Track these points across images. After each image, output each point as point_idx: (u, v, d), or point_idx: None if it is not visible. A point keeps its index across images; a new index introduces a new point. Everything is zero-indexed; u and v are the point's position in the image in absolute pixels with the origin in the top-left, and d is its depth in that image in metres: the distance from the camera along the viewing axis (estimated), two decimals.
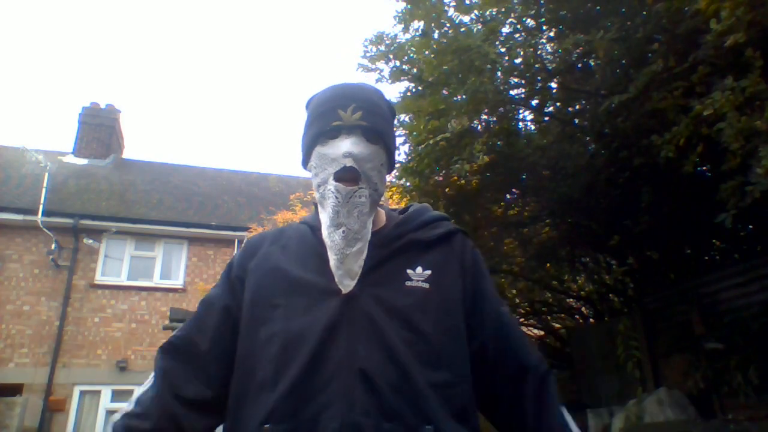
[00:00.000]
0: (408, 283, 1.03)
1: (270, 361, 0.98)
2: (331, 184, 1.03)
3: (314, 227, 1.14)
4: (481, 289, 1.11)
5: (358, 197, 1.03)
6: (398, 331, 0.98)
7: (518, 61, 5.13)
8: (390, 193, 6.77)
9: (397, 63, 5.77)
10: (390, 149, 1.11)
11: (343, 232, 1.02)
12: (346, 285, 1.00)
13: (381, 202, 1.20)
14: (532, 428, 1.03)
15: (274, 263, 1.10)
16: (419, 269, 1.05)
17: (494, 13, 5.29)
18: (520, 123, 6.43)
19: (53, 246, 11.22)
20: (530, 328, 9.78)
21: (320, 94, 1.13)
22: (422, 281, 1.04)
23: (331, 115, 1.06)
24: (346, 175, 1.03)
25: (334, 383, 0.93)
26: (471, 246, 1.16)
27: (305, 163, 1.14)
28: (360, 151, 1.04)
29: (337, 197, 1.02)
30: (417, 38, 5.56)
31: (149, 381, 1.10)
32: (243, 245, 1.21)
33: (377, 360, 0.95)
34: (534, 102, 5.82)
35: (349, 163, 1.02)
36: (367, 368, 0.94)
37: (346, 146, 1.03)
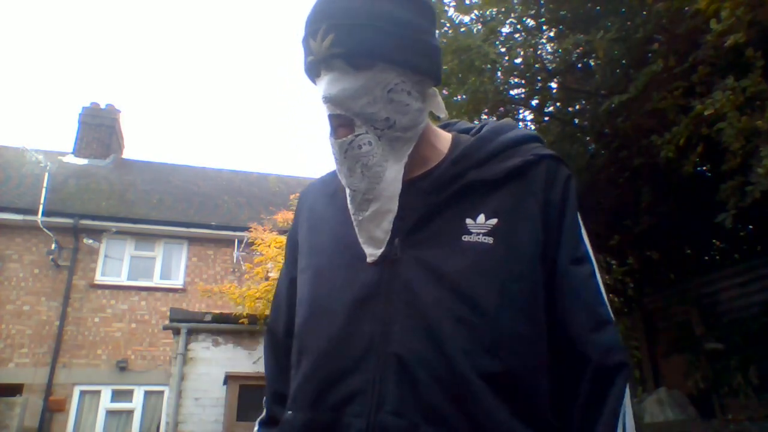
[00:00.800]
0: (466, 238, 0.79)
1: (296, 335, 0.86)
2: (330, 140, 0.83)
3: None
4: (559, 237, 0.83)
5: (358, 147, 0.80)
6: (447, 305, 0.75)
7: (518, 61, 5.13)
8: None
9: None
10: (406, 61, 0.81)
11: (351, 194, 0.83)
12: (371, 255, 0.80)
13: (448, 121, 0.99)
14: None
15: (320, 214, 0.93)
16: (481, 218, 0.80)
17: (494, 13, 5.29)
18: (520, 123, 6.43)
19: (53, 246, 11.22)
20: None
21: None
22: (484, 234, 0.79)
23: (306, 47, 0.82)
24: (333, 125, 0.82)
25: (363, 369, 0.75)
26: (564, 177, 0.87)
27: None
28: (341, 90, 0.79)
29: (335, 155, 0.83)
30: None
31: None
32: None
33: (417, 343, 0.74)
34: (534, 102, 5.82)
35: (330, 110, 0.80)
36: (403, 354, 0.74)
37: (324, 89, 0.80)
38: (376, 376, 0.74)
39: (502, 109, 5.62)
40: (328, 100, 0.79)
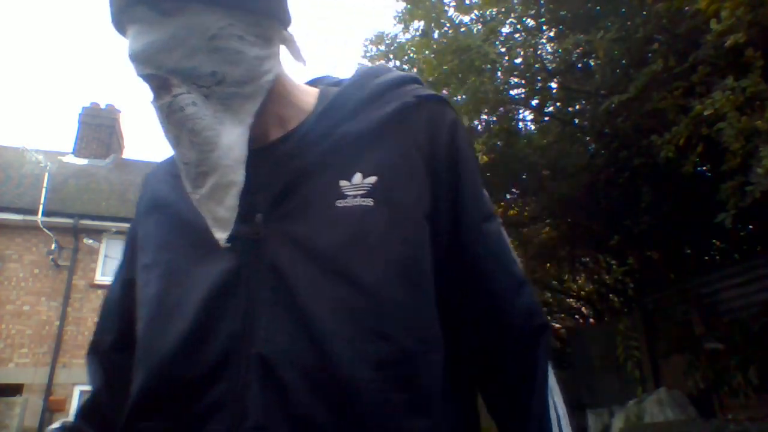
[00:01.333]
0: (341, 203, 0.66)
1: (138, 341, 0.70)
2: (152, 104, 0.68)
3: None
4: (457, 194, 0.71)
5: (180, 110, 0.64)
6: (321, 287, 0.63)
7: (518, 61, 5.13)
8: None
9: (397, 63, 5.77)
10: (234, 2, 0.64)
11: (185, 169, 0.67)
12: (220, 238, 0.65)
13: (319, 77, 0.84)
14: (506, 413, 0.71)
15: (164, 200, 0.77)
16: (358, 177, 0.67)
17: (494, 13, 5.29)
18: (520, 123, 6.43)
19: (53, 246, 11.23)
20: None
21: None
22: (362, 196, 0.66)
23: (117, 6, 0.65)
24: (150, 86, 0.66)
25: (222, 377, 0.62)
26: (449, 121, 0.73)
27: None
28: (147, 44, 0.63)
29: (160, 123, 0.67)
30: (417, 38, 5.57)
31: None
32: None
33: (286, 339, 0.61)
34: (534, 102, 5.83)
35: (138, 70, 0.65)
36: (267, 353, 0.61)
37: (130, 44, 0.64)
38: (239, 384, 0.61)
39: (502, 109, 5.62)
40: (134, 57, 0.64)
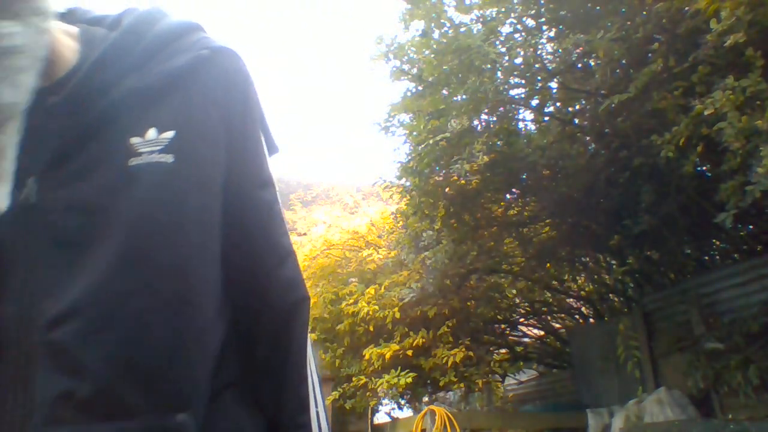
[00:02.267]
0: (134, 162, 0.57)
1: None
2: None
3: None
4: (238, 154, 0.65)
5: None
6: (119, 256, 0.54)
7: (518, 61, 5.13)
8: (390, 193, 6.78)
9: (397, 63, 5.77)
10: None
11: (43, 113, 0.56)
12: None
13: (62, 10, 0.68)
14: (265, 387, 0.67)
15: None
16: (152, 132, 0.58)
17: (494, 13, 5.29)
18: (520, 123, 6.44)
19: None
20: (530, 328, 9.79)
21: None
22: (160, 151, 0.58)
23: None
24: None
25: (1, 369, 0.53)
26: (244, 74, 0.68)
27: None
28: None
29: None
30: (417, 38, 5.56)
31: None
32: None
33: (80, 319, 0.53)
34: (534, 102, 5.83)
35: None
36: (58, 338, 0.52)
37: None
38: (22, 372, 0.53)
39: (502, 108, 5.63)
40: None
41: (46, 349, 0.52)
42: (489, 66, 4.78)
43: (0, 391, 0.52)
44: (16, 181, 0.51)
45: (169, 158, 0.57)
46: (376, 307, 6.64)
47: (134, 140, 0.58)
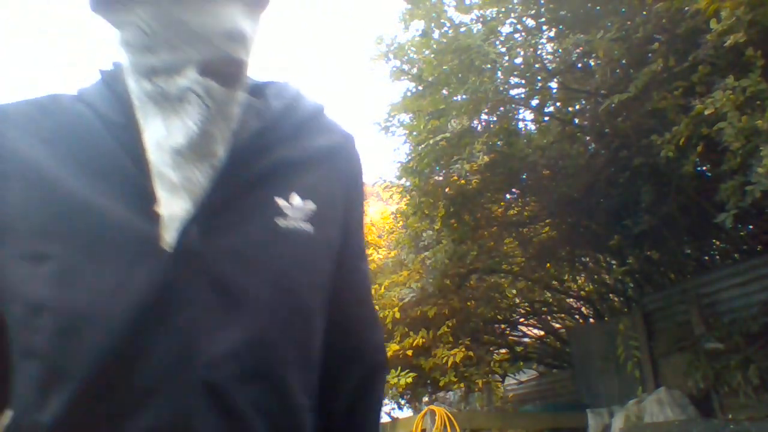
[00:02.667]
0: (282, 223, 0.63)
1: (35, 354, 0.56)
2: (195, 80, 0.58)
3: (105, 116, 0.62)
4: (352, 231, 0.74)
5: (233, 107, 0.62)
6: (274, 307, 0.61)
7: (518, 61, 5.13)
8: (390, 193, 6.78)
9: (397, 63, 5.77)
10: None
11: (212, 167, 0.60)
12: (166, 241, 0.57)
13: None
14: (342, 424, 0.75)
15: (35, 170, 0.59)
16: (296, 199, 0.65)
17: (494, 13, 5.29)
18: (520, 123, 6.44)
19: None
20: (530, 328, 9.79)
21: None
22: (303, 220, 0.65)
23: None
24: (225, 71, 0.59)
25: (157, 402, 0.54)
26: (359, 157, 0.77)
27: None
28: (249, 29, 0.60)
29: (207, 106, 0.58)
30: (417, 38, 5.57)
31: None
32: None
33: (236, 363, 0.57)
34: (534, 102, 5.83)
35: (234, 51, 0.59)
36: (216, 380, 0.56)
37: (229, 19, 0.58)
38: (181, 411, 0.55)
39: (502, 108, 5.63)
40: (237, 38, 0.59)
41: (204, 388, 0.56)
42: (489, 66, 4.78)
43: (157, 424, 0.54)
44: (181, 225, 0.58)
45: (309, 228, 0.65)
46: (376, 307, 6.64)
47: (281, 203, 0.64)
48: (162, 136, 0.58)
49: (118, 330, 0.55)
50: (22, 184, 0.59)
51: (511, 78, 5.24)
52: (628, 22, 4.49)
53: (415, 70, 5.72)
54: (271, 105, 0.69)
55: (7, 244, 0.58)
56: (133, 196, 0.59)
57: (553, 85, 5.54)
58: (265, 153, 0.66)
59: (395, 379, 6.03)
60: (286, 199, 0.64)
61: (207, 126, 0.59)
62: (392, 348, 6.31)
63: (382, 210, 8.44)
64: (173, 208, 0.58)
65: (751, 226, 5.80)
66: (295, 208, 0.65)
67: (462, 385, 6.84)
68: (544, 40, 5.46)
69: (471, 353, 6.42)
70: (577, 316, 9.15)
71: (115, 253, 0.57)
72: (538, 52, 5.28)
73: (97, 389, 0.55)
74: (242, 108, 0.65)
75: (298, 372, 0.62)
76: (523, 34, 5.39)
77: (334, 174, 0.71)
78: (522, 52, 5.03)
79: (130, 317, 0.55)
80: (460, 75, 4.98)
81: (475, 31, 5.05)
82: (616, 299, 8.14)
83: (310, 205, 0.66)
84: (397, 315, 6.48)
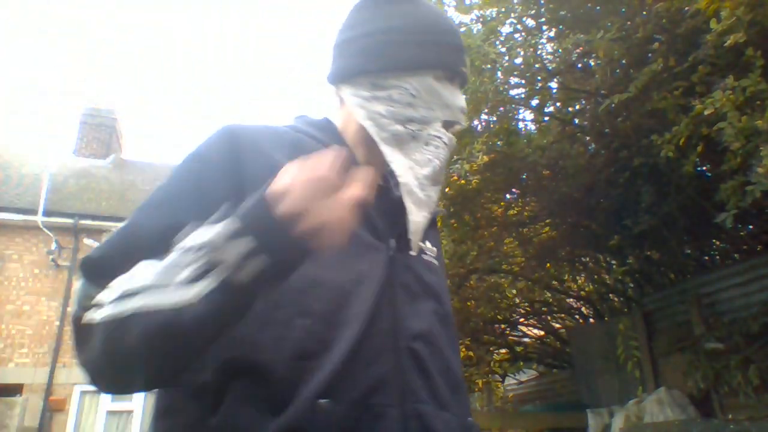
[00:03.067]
0: (425, 257, 0.92)
1: (312, 317, 0.75)
2: (441, 132, 0.87)
3: (324, 143, 0.87)
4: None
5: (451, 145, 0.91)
6: (434, 309, 0.88)
7: (518, 61, 5.13)
8: None
9: None
10: None
11: (440, 191, 0.89)
12: (414, 245, 0.86)
13: None
14: None
15: None
16: (428, 244, 0.94)
17: (494, 13, 5.29)
18: (520, 123, 6.43)
19: (53, 246, 11.23)
20: (530, 328, 9.78)
21: (434, 13, 0.92)
22: (433, 257, 0.95)
23: (458, 57, 0.91)
24: (455, 130, 0.91)
25: (382, 360, 0.77)
26: None
27: (380, 65, 0.87)
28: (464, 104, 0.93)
29: (446, 148, 0.87)
30: None
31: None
32: (219, 138, 0.82)
33: (422, 341, 0.82)
34: (534, 102, 5.82)
35: (462, 120, 0.90)
36: (417, 348, 0.81)
37: (462, 99, 0.90)
38: (398, 367, 0.78)
39: (502, 109, 5.62)
40: (463, 111, 0.92)
41: (409, 353, 0.80)
42: (489, 66, 4.78)
43: (382, 377, 0.77)
44: (385, 239, 0.87)
45: (437, 263, 0.96)
46: None
47: (423, 243, 0.92)
48: (410, 165, 0.85)
49: (366, 301, 0.78)
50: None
51: (511, 78, 5.23)
52: (628, 22, 4.49)
53: None
54: None
55: None
56: (380, 210, 0.87)
57: (553, 85, 5.54)
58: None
59: None
60: (424, 242, 0.93)
61: (443, 163, 0.87)
62: None
63: None
64: (419, 217, 0.84)
65: (751, 226, 5.80)
66: (429, 250, 0.94)
67: None
68: (544, 40, 5.46)
69: (471, 353, 6.42)
70: (577, 316, 9.15)
71: (364, 248, 0.83)
72: (538, 52, 5.27)
73: (352, 351, 0.75)
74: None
75: (453, 354, 0.90)
76: (523, 34, 5.39)
77: (437, 232, 1.04)
78: (522, 52, 5.02)
79: (373, 297, 0.79)
80: None
81: (475, 31, 5.05)
82: (616, 299, 8.14)
83: (434, 249, 0.97)
84: None
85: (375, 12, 0.91)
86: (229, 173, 0.77)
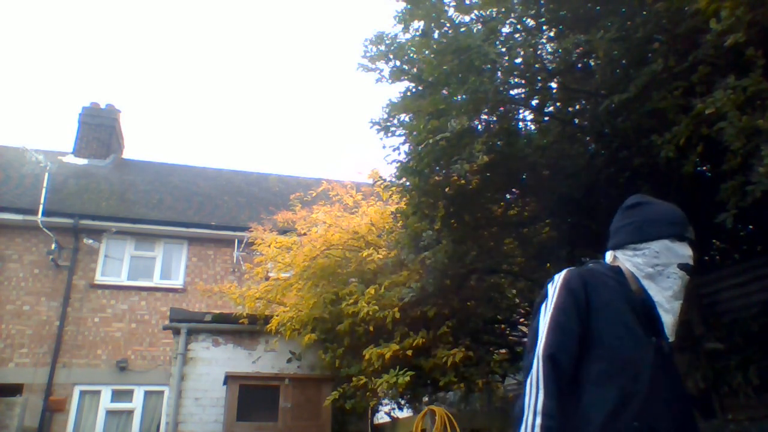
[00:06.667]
0: (663, 342, 1.68)
1: (631, 377, 1.51)
2: (678, 271, 1.65)
3: (625, 284, 1.69)
4: None
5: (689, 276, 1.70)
6: (677, 372, 1.66)
7: (518, 61, 5.12)
8: (390, 193, 6.77)
9: (397, 63, 5.76)
10: None
11: (673, 311, 1.65)
12: (671, 339, 1.67)
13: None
14: None
15: (614, 309, 1.60)
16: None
17: (494, 13, 5.28)
18: (520, 123, 6.42)
19: (53, 246, 11.23)
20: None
21: (667, 207, 1.76)
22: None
23: (684, 228, 1.69)
24: (687, 270, 1.65)
25: (673, 407, 1.55)
26: None
27: (638, 238, 1.71)
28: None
29: (682, 280, 1.66)
30: (417, 38, 5.56)
31: (547, 390, 1.48)
32: (575, 282, 1.65)
33: (673, 400, 1.56)
34: (534, 102, 5.82)
35: (691, 261, 1.69)
36: (671, 402, 1.56)
37: (690, 252, 1.68)
38: (664, 411, 1.53)
39: (502, 109, 5.61)
40: (690, 257, 1.70)
41: (681, 400, 1.64)
42: (489, 66, 4.77)
43: (675, 417, 1.59)
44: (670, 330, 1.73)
45: (666, 345, 1.74)
46: (376, 308, 6.63)
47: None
48: (659, 290, 1.67)
49: (646, 370, 1.56)
50: (608, 311, 1.62)
51: (511, 78, 5.23)
52: (628, 22, 4.49)
53: (415, 70, 5.72)
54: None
55: (613, 333, 1.60)
56: (634, 320, 1.63)
57: (553, 85, 5.53)
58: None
59: (393, 378, 6.02)
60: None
61: (679, 288, 1.68)
62: (392, 348, 6.29)
63: (382, 210, 8.43)
64: (669, 320, 1.66)
65: (751, 226, 5.79)
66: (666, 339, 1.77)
67: (462, 385, 6.83)
68: (544, 40, 5.45)
69: (471, 353, 6.41)
70: None
71: (643, 342, 1.60)
72: (538, 52, 5.27)
73: (645, 398, 1.52)
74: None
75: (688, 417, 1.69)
76: (523, 34, 5.38)
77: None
78: (522, 52, 5.02)
79: (650, 366, 1.57)
80: (460, 75, 4.97)
81: (475, 31, 5.05)
82: None
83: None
84: (397, 315, 6.47)
85: (633, 210, 1.80)
86: (584, 302, 1.63)
